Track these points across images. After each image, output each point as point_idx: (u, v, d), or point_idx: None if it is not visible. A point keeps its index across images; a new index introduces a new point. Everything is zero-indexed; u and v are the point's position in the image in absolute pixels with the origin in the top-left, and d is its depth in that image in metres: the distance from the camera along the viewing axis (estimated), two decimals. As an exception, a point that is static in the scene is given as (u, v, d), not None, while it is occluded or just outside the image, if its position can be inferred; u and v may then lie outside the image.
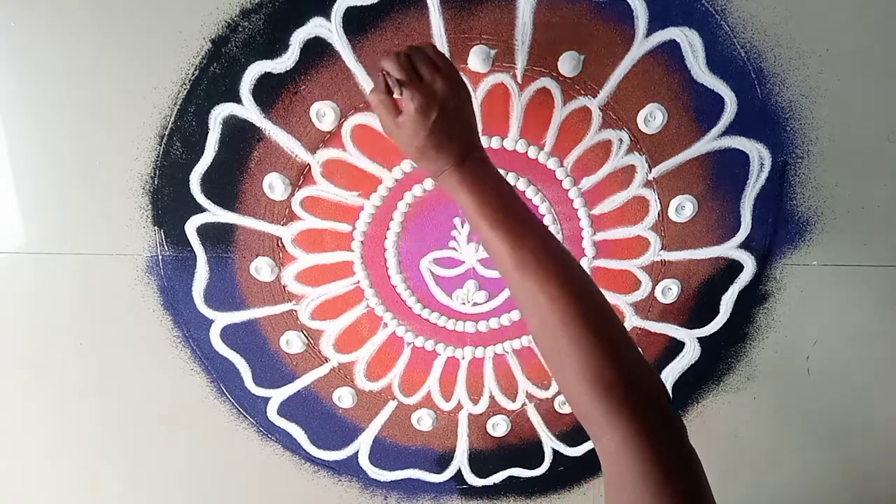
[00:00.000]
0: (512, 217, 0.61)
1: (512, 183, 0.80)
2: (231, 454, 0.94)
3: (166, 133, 0.76)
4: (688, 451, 0.55)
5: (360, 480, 0.97)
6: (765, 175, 0.81)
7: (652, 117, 0.77)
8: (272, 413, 0.91)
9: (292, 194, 0.80)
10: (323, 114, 0.76)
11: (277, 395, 0.91)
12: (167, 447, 0.94)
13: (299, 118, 0.76)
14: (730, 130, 0.78)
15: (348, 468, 0.96)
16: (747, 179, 0.81)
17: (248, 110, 0.75)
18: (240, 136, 0.76)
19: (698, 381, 0.92)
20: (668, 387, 0.92)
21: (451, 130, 0.62)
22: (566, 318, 0.56)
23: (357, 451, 0.95)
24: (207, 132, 0.76)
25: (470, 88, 0.67)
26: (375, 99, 0.64)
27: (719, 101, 0.77)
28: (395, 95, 0.62)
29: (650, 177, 0.80)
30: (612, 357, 0.55)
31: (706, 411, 0.94)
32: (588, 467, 0.98)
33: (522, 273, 0.59)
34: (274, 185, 0.78)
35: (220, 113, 0.75)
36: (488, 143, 0.78)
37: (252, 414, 0.92)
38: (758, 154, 0.80)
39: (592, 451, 0.96)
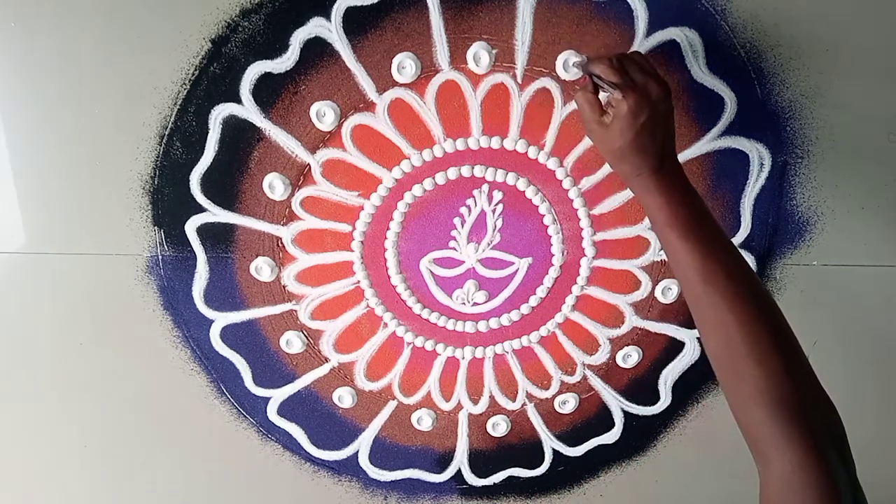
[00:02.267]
0: (704, 229, 0.61)
1: (511, 183, 0.80)
2: (231, 454, 0.94)
3: (166, 133, 0.76)
4: (858, 485, 0.55)
5: (360, 480, 0.97)
6: (765, 175, 0.81)
7: (652, 117, 0.77)
8: (272, 413, 0.91)
9: (292, 194, 0.80)
10: (323, 114, 0.76)
11: (277, 395, 0.91)
12: (167, 447, 0.94)
13: (299, 118, 0.76)
14: (730, 130, 0.78)
15: (348, 468, 0.96)
16: (747, 179, 0.81)
17: (248, 110, 0.75)
18: (240, 136, 0.76)
19: (698, 381, 0.92)
20: (668, 387, 0.92)
21: (655, 134, 0.62)
22: (754, 340, 0.56)
23: (357, 451, 0.95)
24: (207, 132, 0.76)
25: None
26: (582, 97, 0.65)
27: (719, 101, 0.77)
28: (602, 96, 0.64)
29: (650, 177, 0.80)
30: (798, 383, 0.55)
31: (706, 411, 0.94)
32: (588, 467, 0.98)
33: (711, 288, 0.58)
34: (274, 185, 0.78)
35: (220, 113, 0.75)
36: (488, 143, 0.78)
37: (252, 414, 0.92)
38: (758, 154, 0.80)
39: (592, 451, 0.96)
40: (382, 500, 0.99)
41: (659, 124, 0.63)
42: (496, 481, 0.98)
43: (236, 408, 0.91)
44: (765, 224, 0.83)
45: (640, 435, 0.96)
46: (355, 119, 0.76)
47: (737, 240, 0.84)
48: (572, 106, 0.77)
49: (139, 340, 0.86)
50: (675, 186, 0.63)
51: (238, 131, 0.76)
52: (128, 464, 0.95)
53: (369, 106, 0.76)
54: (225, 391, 0.90)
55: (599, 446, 0.96)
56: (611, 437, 0.95)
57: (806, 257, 0.85)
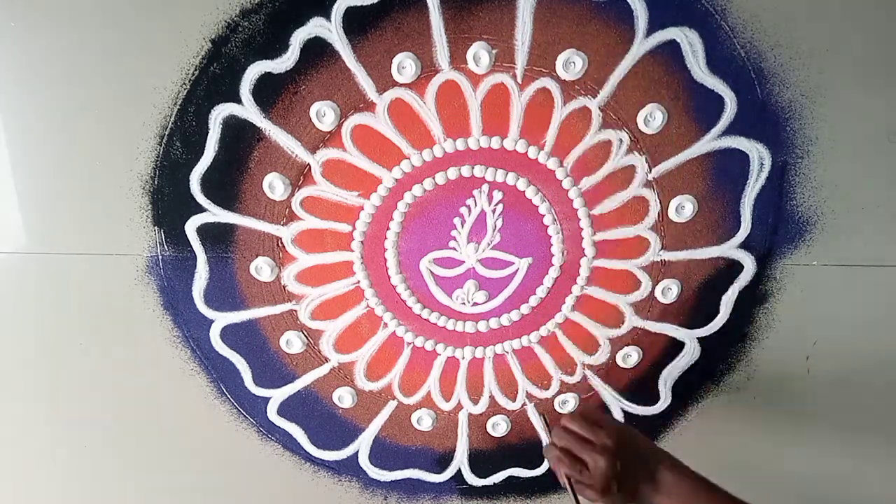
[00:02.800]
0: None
1: (511, 183, 0.80)
2: (231, 454, 0.94)
3: (166, 133, 0.76)
4: None
5: (360, 480, 0.97)
6: (765, 175, 0.81)
7: (652, 117, 0.77)
8: (272, 413, 0.91)
9: (292, 194, 0.80)
10: (323, 114, 0.76)
11: (277, 395, 0.91)
12: (167, 447, 0.94)
13: (299, 118, 0.76)
14: (730, 130, 0.78)
15: (348, 468, 0.96)
16: (747, 179, 0.81)
17: (248, 110, 0.75)
18: (240, 136, 0.76)
19: (698, 381, 0.92)
20: (668, 387, 0.92)
21: (635, 475, 0.64)
22: None
23: (357, 451, 0.95)
24: (207, 132, 0.76)
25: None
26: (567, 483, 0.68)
27: (719, 101, 0.77)
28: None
29: (650, 177, 0.80)
30: None
31: (706, 411, 0.94)
32: (588, 467, 0.98)
33: None
34: (274, 185, 0.78)
35: (220, 113, 0.75)
36: (488, 143, 0.78)
37: (252, 414, 0.92)
38: (758, 154, 0.80)
39: (592, 451, 0.97)
40: (382, 500, 0.99)
41: (631, 468, 0.64)
42: (496, 481, 0.98)
43: (236, 408, 0.91)
44: (765, 224, 0.83)
45: (640, 435, 0.96)
46: (355, 119, 0.76)
47: (737, 240, 0.84)
48: (572, 106, 0.77)
49: (139, 340, 0.86)
50: (680, 485, 0.65)
51: (238, 131, 0.76)
52: (127, 464, 0.95)
53: (369, 106, 0.76)
54: (225, 391, 0.90)
55: (599, 446, 0.96)
56: (611, 437, 0.95)
57: (806, 257, 0.85)
